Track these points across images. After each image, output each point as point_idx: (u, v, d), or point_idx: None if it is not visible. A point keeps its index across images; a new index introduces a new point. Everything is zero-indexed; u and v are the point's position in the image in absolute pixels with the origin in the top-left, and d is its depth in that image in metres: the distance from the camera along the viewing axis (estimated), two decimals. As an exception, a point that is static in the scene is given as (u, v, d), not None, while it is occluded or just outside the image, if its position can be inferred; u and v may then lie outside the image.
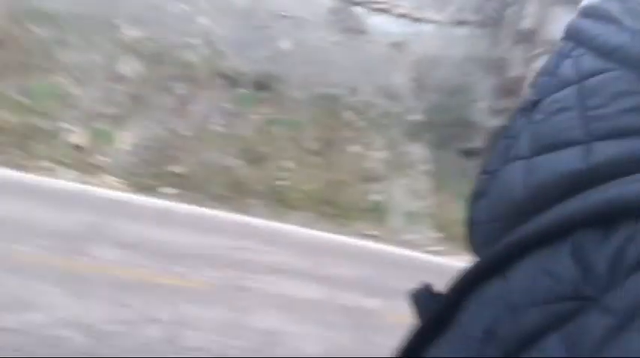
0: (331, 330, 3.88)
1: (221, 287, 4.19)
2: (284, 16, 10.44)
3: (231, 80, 9.54)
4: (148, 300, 3.61)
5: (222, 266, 4.63)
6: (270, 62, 9.90)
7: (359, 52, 10.56)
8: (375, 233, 8.20)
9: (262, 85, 9.72)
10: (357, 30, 10.80)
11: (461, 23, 11.02)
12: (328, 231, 7.61)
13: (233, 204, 7.71)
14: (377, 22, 11.07)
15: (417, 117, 10.23)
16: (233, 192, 7.99)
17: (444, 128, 10.18)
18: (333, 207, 8.46)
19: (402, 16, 10.88)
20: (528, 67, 9.39)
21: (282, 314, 3.94)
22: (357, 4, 10.99)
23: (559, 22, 8.42)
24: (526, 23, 9.91)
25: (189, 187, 7.83)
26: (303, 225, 7.62)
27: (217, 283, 4.26)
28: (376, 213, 8.67)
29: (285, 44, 10.15)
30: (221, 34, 9.73)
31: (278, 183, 8.46)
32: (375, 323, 4.16)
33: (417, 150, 9.97)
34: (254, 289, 4.31)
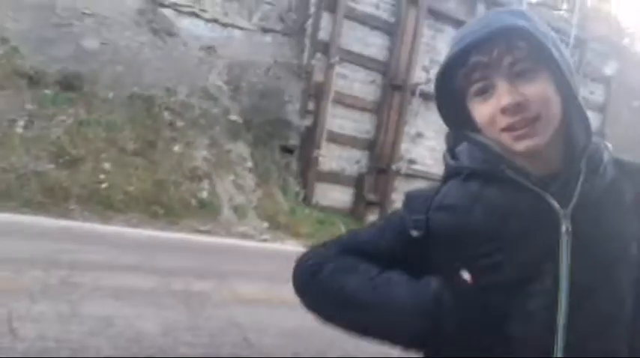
0: (164, 310, 4.23)
1: (50, 286, 4.30)
2: (87, 14, 10.09)
3: (33, 80, 9.04)
4: (-22, 304, 3.67)
5: (49, 267, 4.69)
6: (75, 61, 9.49)
7: (171, 54, 10.83)
8: (206, 228, 8.71)
9: (68, 85, 9.25)
10: (166, 32, 11.12)
11: (266, 31, 12.44)
12: (159, 229, 8.00)
13: (50, 209, 7.63)
14: (186, 25, 11.59)
15: (235, 117, 11.06)
16: (49, 198, 7.95)
17: (262, 127, 11.34)
18: (161, 207, 8.78)
19: (212, 20, 11.84)
20: (329, 72, 11.73)
21: (116, 302, 4.17)
22: (165, 6, 11.41)
23: (348, 35, 12.03)
24: (322, 34, 11.88)
25: (-1, 195, 7.61)
26: (131, 225, 7.89)
27: (46, 282, 4.36)
28: (205, 210, 9.27)
29: (90, 43, 9.86)
30: (16, 31, 9.28)
31: (97, 185, 8.44)
32: (204, 301, 4.63)
33: (239, 149, 10.82)
34: (85, 283, 4.47)
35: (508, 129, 0.81)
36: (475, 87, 0.84)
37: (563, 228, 0.82)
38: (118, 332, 3.61)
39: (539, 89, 0.80)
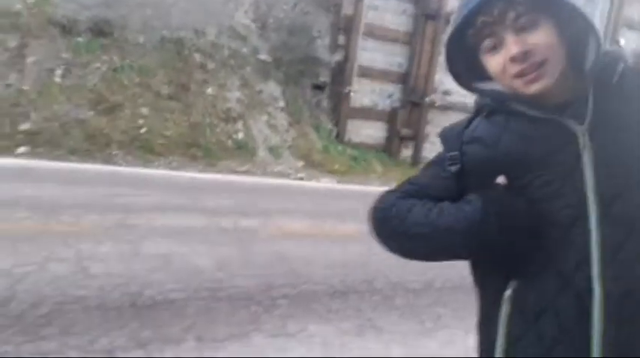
0: (217, 247, 4.51)
1: (109, 228, 4.63)
2: (112, -41, 9.95)
3: (65, 28, 9.06)
4: (45, 246, 3.98)
5: (104, 211, 5.06)
6: (104, 7, 9.40)
7: None
8: (244, 168, 9.02)
9: (100, 31, 9.28)
10: (191, -30, 10.81)
11: (292, -37, 11.89)
12: (199, 171, 8.31)
13: (94, 155, 8.02)
14: (209, -37, 11.05)
15: (265, 56, 11.00)
16: (91, 144, 8.25)
17: (292, 65, 11.22)
18: (199, 149, 9.03)
19: (235, -43, 11.34)
20: (358, 4, 11.28)
21: (171, 241, 4.47)
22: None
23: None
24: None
25: (44, 144, 7.86)
26: (173, 168, 8.24)
27: (104, 225, 4.68)
28: (242, 151, 9.53)
29: (116, -13, 9.75)
30: (44, -21, 9.20)
31: (136, 131, 8.68)
32: (253, 237, 4.93)
33: (270, 88, 10.83)
34: (140, 225, 4.81)
35: (518, 75, 0.91)
36: (485, 43, 0.94)
37: (581, 144, 0.91)
38: (178, 268, 3.89)
39: (542, 37, 0.89)
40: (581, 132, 0.91)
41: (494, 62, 0.94)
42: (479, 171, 1.00)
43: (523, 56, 0.89)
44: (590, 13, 0.91)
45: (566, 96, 0.94)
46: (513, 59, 0.90)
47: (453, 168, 1.03)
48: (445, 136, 1.10)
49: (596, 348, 0.88)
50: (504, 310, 0.96)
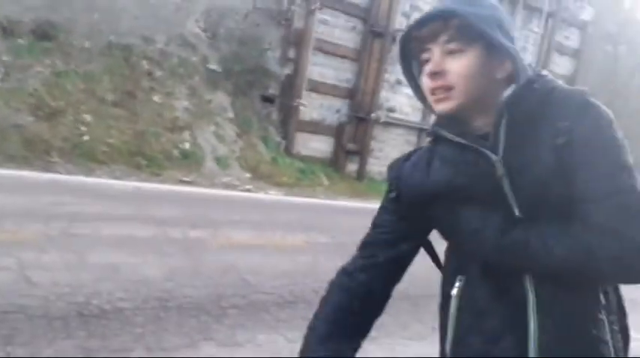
0: (166, 258, 4.50)
1: (53, 237, 4.54)
2: (58, -39, 9.97)
3: (7, 30, 9.06)
4: (-13, 254, 3.91)
5: (47, 220, 4.94)
6: (49, 10, 9.39)
7: (148, 0, 10.68)
8: (190, 179, 9.07)
9: (44, 34, 9.27)
10: (140, -21, 10.96)
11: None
12: (143, 181, 8.28)
13: (33, 163, 7.81)
14: (160, -29, 11.33)
15: (214, 66, 11.23)
16: (30, 151, 8.13)
17: (241, 76, 11.49)
18: (144, 158, 9.02)
19: (187, -32, 11.58)
20: (309, 19, 11.78)
21: (118, 251, 4.45)
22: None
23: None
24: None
25: (-20, 150, 7.71)
26: (116, 177, 8.16)
27: (48, 234, 4.60)
28: (188, 161, 9.59)
29: (62, -10, 9.71)
30: (-15, -20, 9.21)
31: (78, 138, 8.61)
32: (202, 248, 4.95)
33: (219, 98, 11.03)
34: (85, 234, 4.74)
35: (431, 92, 0.99)
36: (422, 56, 1.01)
37: (499, 172, 0.94)
38: (126, 277, 3.85)
39: (461, 65, 0.95)
40: (497, 160, 0.94)
41: (424, 76, 1.00)
42: (412, 197, 1.05)
43: (435, 76, 0.96)
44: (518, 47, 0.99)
45: (489, 127, 0.97)
46: (429, 75, 0.97)
47: (392, 195, 1.09)
48: (390, 165, 1.16)
49: (532, 345, 0.93)
50: (453, 305, 1.02)
